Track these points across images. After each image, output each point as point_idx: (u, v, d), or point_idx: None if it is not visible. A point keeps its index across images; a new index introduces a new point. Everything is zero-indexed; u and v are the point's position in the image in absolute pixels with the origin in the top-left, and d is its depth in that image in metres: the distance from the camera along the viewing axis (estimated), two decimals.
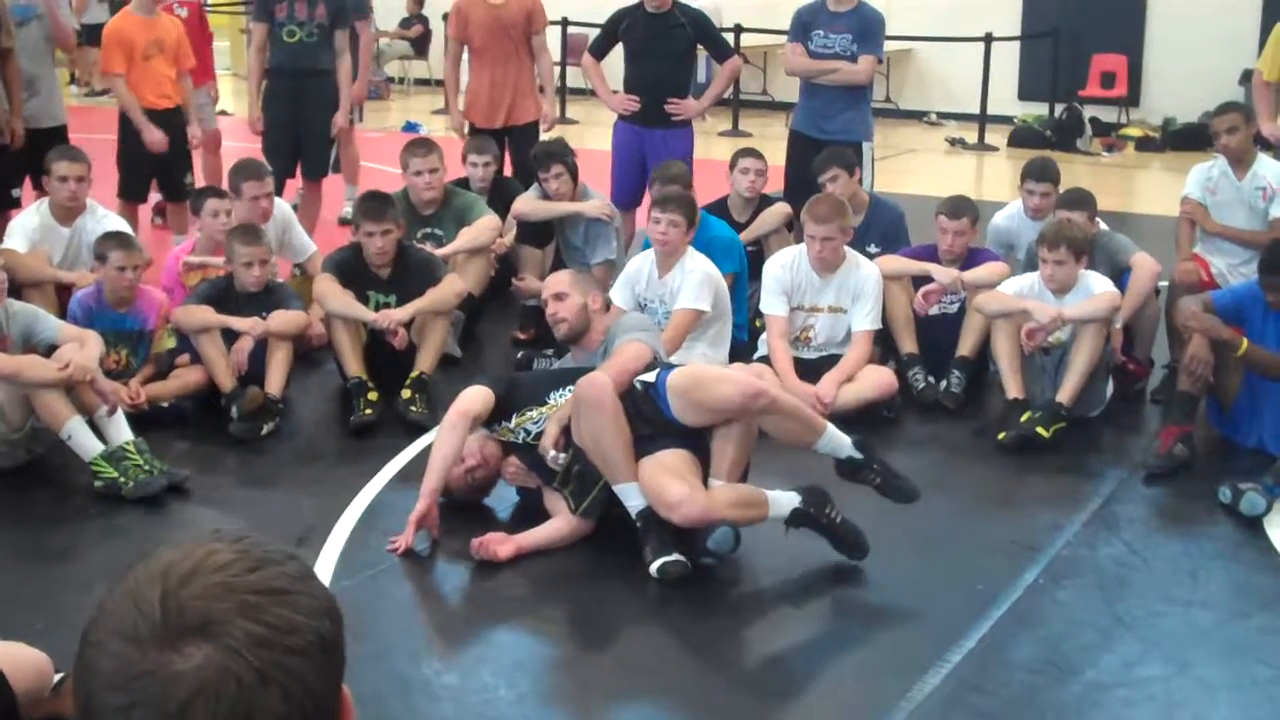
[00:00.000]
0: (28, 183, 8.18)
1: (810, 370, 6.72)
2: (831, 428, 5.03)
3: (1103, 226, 7.19)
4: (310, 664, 1.16)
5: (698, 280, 6.62)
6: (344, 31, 8.86)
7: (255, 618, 1.15)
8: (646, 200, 7.79)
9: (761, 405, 4.85)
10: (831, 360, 6.77)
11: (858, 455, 5.04)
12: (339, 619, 1.22)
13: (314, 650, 1.17)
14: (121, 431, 5.69)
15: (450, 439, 5.17)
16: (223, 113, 9.99)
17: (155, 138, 8.43)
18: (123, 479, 5.51)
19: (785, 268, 6.88)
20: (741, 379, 4.95)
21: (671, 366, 5.16)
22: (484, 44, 8.97)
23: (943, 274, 6.97)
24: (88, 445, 5.59)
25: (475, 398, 5.27)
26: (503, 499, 5.54)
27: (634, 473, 4.91)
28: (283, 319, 6.50)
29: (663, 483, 4.81)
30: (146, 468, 5.54)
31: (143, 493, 5.49)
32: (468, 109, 9.11)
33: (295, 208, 9.15)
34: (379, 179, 10.43)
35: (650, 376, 5.05)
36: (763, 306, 6.96)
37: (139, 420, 6.00)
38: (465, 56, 9.23)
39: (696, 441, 4.98)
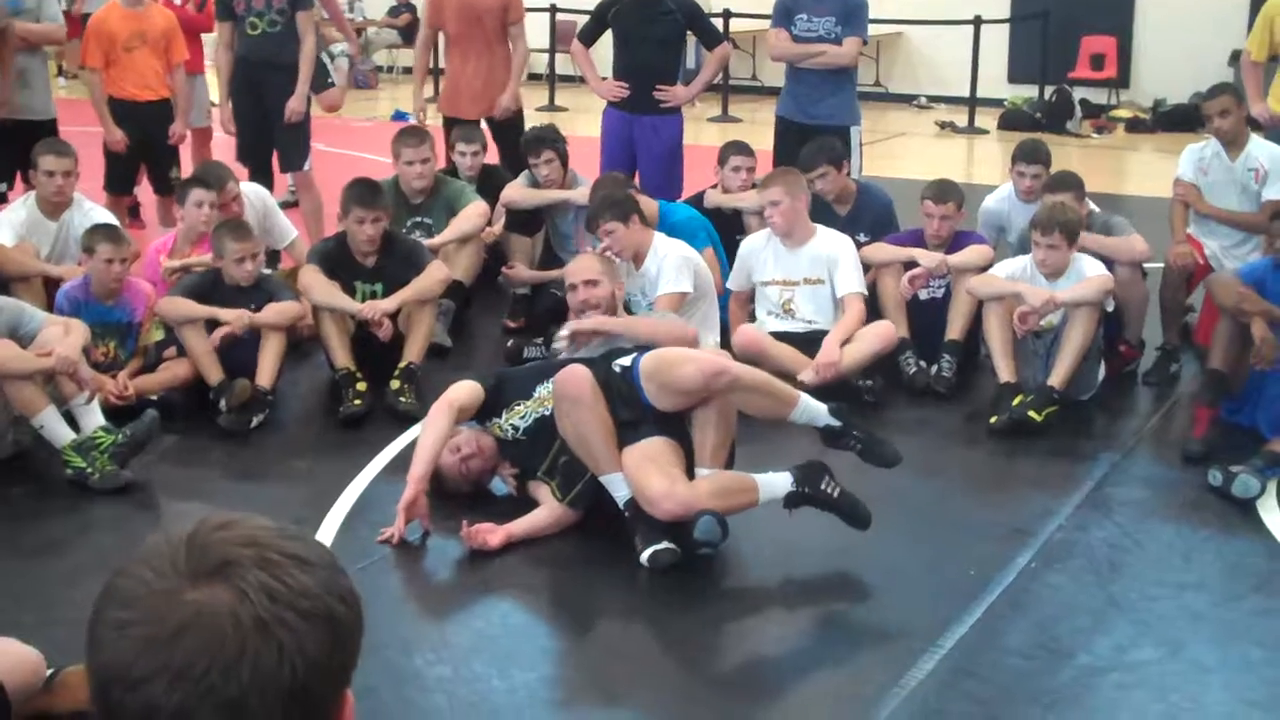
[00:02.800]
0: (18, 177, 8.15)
1: (800, 343, 6.75)
2: (805, 397, 5.00)
3: (1093, 208, 7.17)
4: (314, 633, 1.17)
5: (675, 264, 6.60)
6: (307, 14, 8.65)
7: (272, 572, 1.17)
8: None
9: (725, 383, 4.83)
10: (820, 334, 6.78)
11: (835, 423, 5.01)
12: (358, 612, 1.23)
13: (321, 622, 1.18)
14: (95, 419, 5.68)
15: (435, 428, 5.19)
16: (213, 104, 9.94)
17: (114, 137, 8.38)
18: (89, 469, 5.51)
19: (751, 244, 6.98)
20: (702, 357, 4.94)
21: (647, 350, 5.13)
22: (458, 32, 8.91)
23: (928, 258, 6.96)
24: (60, 434, 5.59)
25: (463, 389, 5.30)
26: (496, 484, 5.52)
27: (618, 462, 4.89)
28: (276, 310, 6.46)
29: (644, 476, 4.79)
30: (112, 450, 5.52)
31: (110, 485, 5.49)
32: (445, 99, 9.05)
33: (295, 204, 9.14)
34: (368, 168, 10.38)
35: (627, 360, 5.04)
36: (729, 283, 7.10)
37: (127, 413, 5.97)
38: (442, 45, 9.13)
39: (679, 427, 4.96)
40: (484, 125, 8.85)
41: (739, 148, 8.10)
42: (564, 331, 5.42)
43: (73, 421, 5.68)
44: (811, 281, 6.89)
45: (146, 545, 1.22)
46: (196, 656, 1.13)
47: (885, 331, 6.71)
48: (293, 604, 1.17)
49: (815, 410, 4.99)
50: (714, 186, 8.07)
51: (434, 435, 5.17)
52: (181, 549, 1.19)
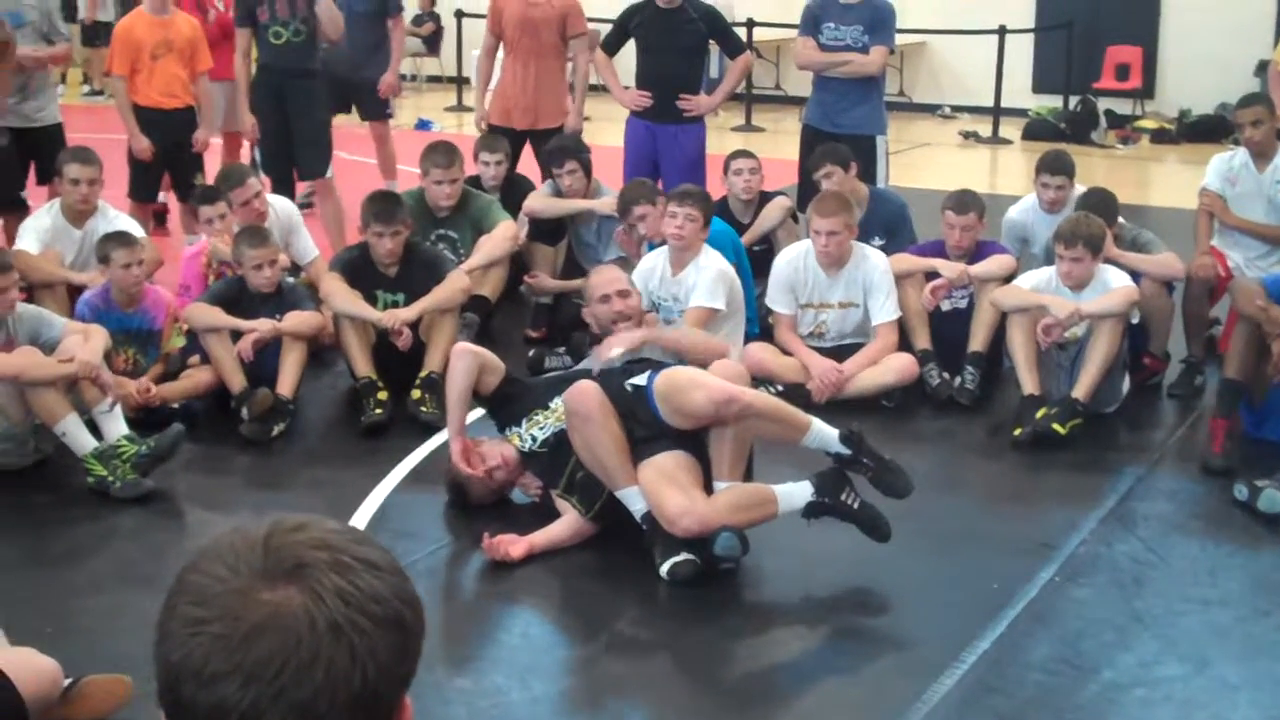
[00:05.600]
0: (32, 181, 8.24)
1: (827, 356, 6.80)
2: (817, 423, 4.93)
3: (1122, 222, 7.13)
4: (384, 637, 1.19)
5: (712, 277, 6.57)
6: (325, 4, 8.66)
7: (346, 576, 1.19)
8: None
9: (735, 411, 4.79)
10: (846, 349, 6.83)
11: (845, 451, 4.93)
12: (422, 618, 1.25)
13: (391, 626, 1.20)
14: (118, 427, 5.68)
15: (460, 374, 5.32)
16: None
17: (141, 145, 8.42)
18: (111, 478, 5.52)
19: (791, 264, 6.94)
20: (713, 384, 4.86)
21: (663, 367, 5.11)
22: (515, 40, 8.86)
23: (949, 269, 6.94)
24: (82, 442, 5.60)
25: (487, 352, 5.42)
26: (516, 493, 5.51)
27: (633, 476, 4.87)
28: (298, 319, 6.47)
29: (661, 493, 4.76)
30: (135, 460, 5.53)
31: (131, 493, 5.49)
32: (495, 108, 9.01)
33: (309, 206, 9.16)
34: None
35: (641, 380, 5.00)
36: (769, 303, 7.01)
37: (149, 422, 5.98)
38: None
39: (695, 440, 4.93)
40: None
41: (741, 153, 8.20)
42: (617, 353, 5.40)
43: (96, 430, 5.68)
44: (846, 305, 6.91)
45: (218, 542, 1.23)
46: (271, 657, 1.15)
47: (906, 366, 6.71)
48: (364, 608, 1.18)
49: (827, 436, 4.93)
50: (723, 197, 8.06)
51: (461, 380, 5.30)
52: (257, 549, 1.20)
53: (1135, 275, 6.67)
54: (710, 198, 6.98)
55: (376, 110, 10.11)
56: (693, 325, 6.43)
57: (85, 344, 5.70)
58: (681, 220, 6.64)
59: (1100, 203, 7.04)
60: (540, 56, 8.81)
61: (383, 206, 6.77)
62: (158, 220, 9.54)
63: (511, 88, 8.89)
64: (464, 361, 5.32)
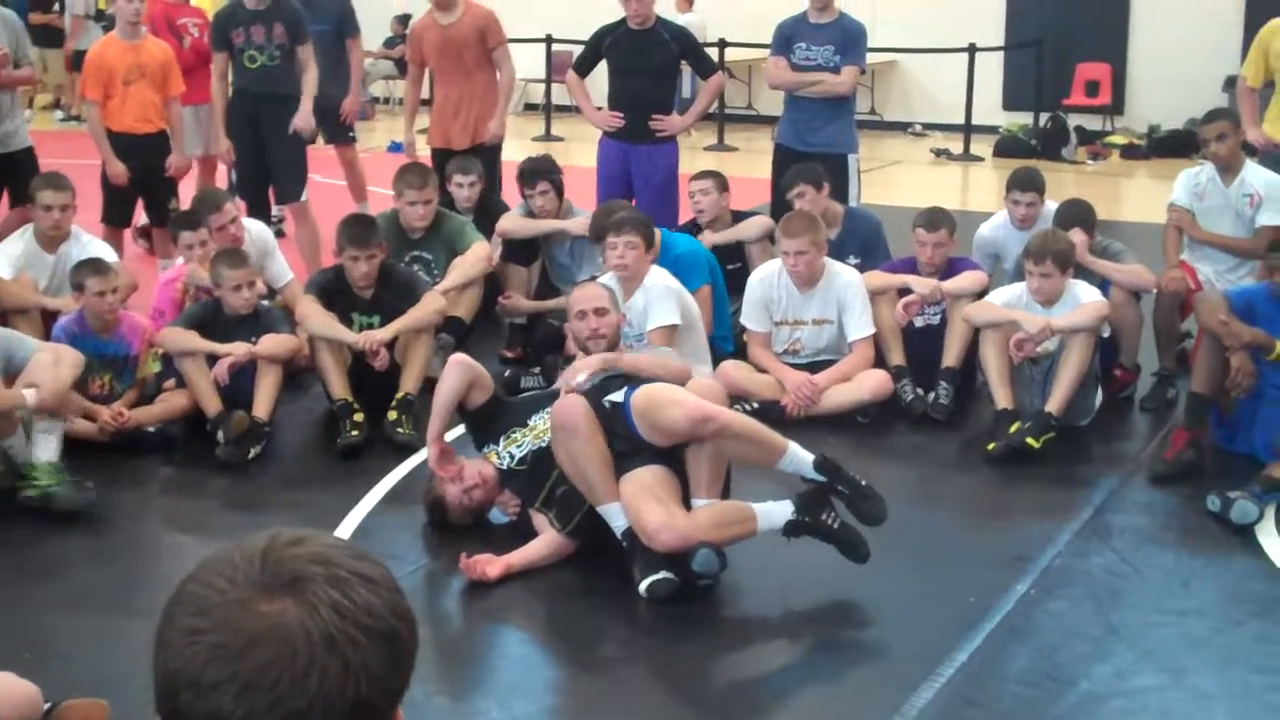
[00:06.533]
0: (4, 204, 8.25)
1: (803, 370, 6.84)
2: (793, 447, 4.93)
3: (1098, 237, 7.18)
4: (377, 651, 1.22)
5: (660, 296, 6.57)
6: (306, 46, 8.72)
7: (341, 589, 1.22)
8: None
9: (712, 430, 4.80)
10: (822, 365, 6.87)
11: (819, 477, 4.93)
12: (415, 633, 1.28)
13: (384, 641, 1.23)
14: (45, 452, 5.62)
15: (451, 382, 5.33)
16: None
17: (116, 170, 8.41)
18: None
19: (764, 283, 6.96)
20: (690, 403, 4.87)
21: (641, 383, 5.12)
22: (440, 65, 8.96)
23: (921, 285, 6.98)
24: None
25: (481, 369, 5.44)
26: (495, 514, 5.51)
27: (615, 492, 4.88)
28: (273, 342, 6.46)
29: (641, 508, 4.77)
30: (39, 492, 5.51)
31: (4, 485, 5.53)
32: (433, 131, 9.08)
33: (280, 233, 9.16)
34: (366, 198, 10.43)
35: (618, 396, 5.02)
36: (744, 320, 7.03)
37: (125, 445, 5.96)
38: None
39: (674, 457, 4.94)
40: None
41: (700, 174, 8.17)
42: (581, 378, 5.37)
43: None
44: (820, 322, 6.94)
45: (218, 555, 1.25)
46: (267, 668, 1.17)
47: (880, 383, 6.74)
48: (359, 621, 1.21)
49: (802, 461, 4.93)
50: (694, 220, 8.07)
51: (450, 388, 5.31)
52: (256, 561, 1.23)
53: (1103, 286, 6.73)
54: (650, 221, 6.91)
55: (339, 134, 10.15)
56: (659, 345, 6.43)
57: (52, 369, 5.67)
58: (622, 250, 6.63)
59: (1078, 214, 7.09)
60: (468, 75, 8.86)
61: (357, 230, 6.78)
62: (143, 234, 9.46)
63: (446, 110, 8.94)
64: (458, 370, 5.35)
